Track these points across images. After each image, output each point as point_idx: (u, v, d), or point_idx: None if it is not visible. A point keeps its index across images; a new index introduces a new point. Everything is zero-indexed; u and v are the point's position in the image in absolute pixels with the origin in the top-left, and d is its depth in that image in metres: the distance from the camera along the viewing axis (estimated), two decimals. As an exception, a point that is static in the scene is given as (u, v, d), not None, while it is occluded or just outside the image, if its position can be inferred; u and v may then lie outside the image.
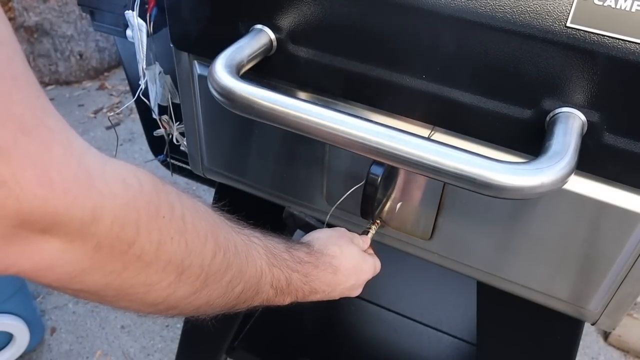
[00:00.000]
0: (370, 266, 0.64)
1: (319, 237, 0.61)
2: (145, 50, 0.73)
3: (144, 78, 0.78)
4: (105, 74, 2.74)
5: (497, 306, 0.73)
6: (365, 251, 0.65)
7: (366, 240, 0.65)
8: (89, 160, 0.31)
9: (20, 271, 0.30)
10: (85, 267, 0.32)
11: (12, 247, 0.28)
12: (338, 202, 0.63)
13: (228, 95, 0.51)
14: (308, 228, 0.65)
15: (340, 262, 0.59)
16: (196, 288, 0.41)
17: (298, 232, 1.08)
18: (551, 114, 0.48)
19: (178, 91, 0.74)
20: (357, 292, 0.64)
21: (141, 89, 0.79)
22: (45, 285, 0.33)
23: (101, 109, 2.50)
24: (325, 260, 0.58)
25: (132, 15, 0.72)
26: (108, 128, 2.37)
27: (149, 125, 0.98)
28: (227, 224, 0.46)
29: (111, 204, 0.31)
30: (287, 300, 0.54)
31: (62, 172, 0.28)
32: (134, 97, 0.84)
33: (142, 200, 0.34)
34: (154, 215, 0.35)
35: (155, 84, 0.80)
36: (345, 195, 0.62)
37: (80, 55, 2.61)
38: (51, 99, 2.53)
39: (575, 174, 0.46)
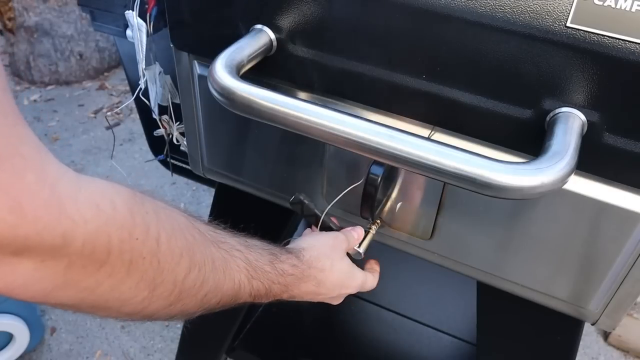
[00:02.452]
0: (357, 283, 0.63)
1: (314, 245, 0.60)
2: (145, 50, 0.73)
3: (143, 78, 0.78)
4: (105, 74, 2.75)
5: (497, 306, 0.73)
6: (365, 265, 0.65)
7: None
8: (62, 186, 0.32)
9: None
10: (58, 284, 0.34)
11: None
12: (334, 202, 0.62)
13: (228, 95, 0.51)
14: (314, 219, 0.64)
15: (326, 277, 0.59)
16: (170, 302, 0.42)
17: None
18: (551, 114, 0.48)
19: (178, 91, 0.74)
20: (336, 302, 0.64)
21: (141, 88, 0.79)
22: (23, 301, 0.35)
23: (101, 109, 2.50)
24: (311, 274, 0.57)
25: (132, 15, 0.72)
26: (108, 128, 2.37)
27: (149, 125, 0.98)
28: (206, 240, 0.46)
29: (82, 230, 0.32)
30: (264, 302, 0.55)
31: (34, 200, 0.30)
32: (133, 97, 0.84)
33: (114, 225, 0.35)
34: (126, 239, 0.36)
35: (155, 84, 0.80)
36: (341, 195, 0.62)
37: (80, 55, 2.61)
38: (51, 99, 2.54)
39: (575, 174, 0.46)
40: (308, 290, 0.58)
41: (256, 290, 0.51)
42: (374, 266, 0.69)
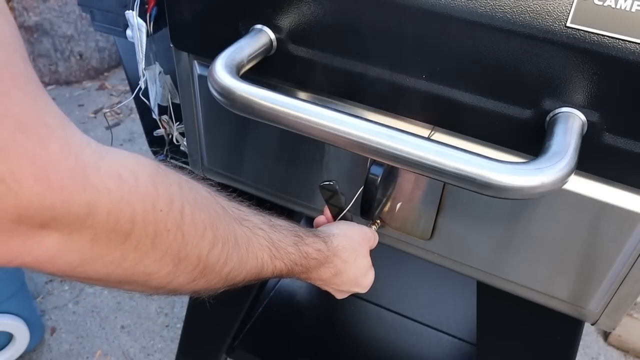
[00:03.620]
0: (367, 284, 0.64)
1: (345, 234, 0.60)
2: (144, 50, 0.73)
3: (143, 78, 0.78)
4: (105, 74, 2.74)
5: (497, 306, 0.73)
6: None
7: (375, 241, 0.65)
8: (86, 156, 0.32)
9: (23, 263, 0.32)
10: (86, 258, 0.34)
11: (14, 241, 0.29)
12: (355, 197, 0.62)
13: (228, 95, 0.51)
14: (337, 211, 0.63)
15: (346, 269, 0.59)
16: (194, 277, 0.42)
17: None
18: (551, 114, 0.48)
19: (178, 91, 0.74)
20: (342, 296, 0.64)
21: (140, 88, 0.79)
22: (50, 274, 0.35)
23: (101, 109, 2.50)
24: (334, 262, 0.57)
25: (132, 15, 0.72)
26: (108, 128, 2.37)
27: (149, 125, 0.98)
28: (229, 216, 0.46)
29: (105, 199, 0.32)
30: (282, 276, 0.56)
31: (59, 169, 0.29)
32: (132, 95, 0.84)
33: (137, 195, 0.35)
34: (149, 209, 0.36)
35: (155, 84, 0.80)
36: (353, 202, 0.62)
37: (80, 55, 2.61)
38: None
39: (575, 174, 0.46)
40: (324, 277, 0.58)
41: (278, 270, 0.51)
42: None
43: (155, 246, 0.37)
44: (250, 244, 0.48)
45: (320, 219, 0.66)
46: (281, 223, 0.54)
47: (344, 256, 0.58)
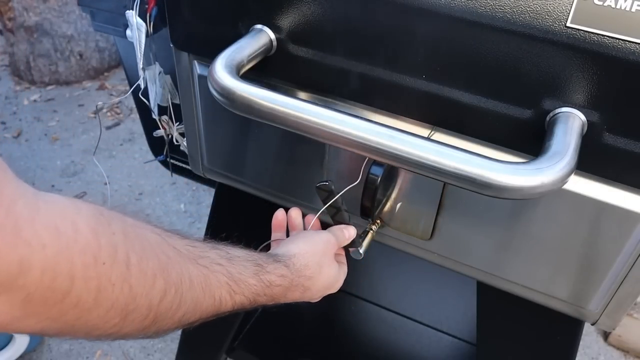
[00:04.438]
0: (339, 284, 0.63)
1: (306, 251, 0.58)
2: (143, 50, 0.73)
3: (142, 77, 0.78)
4: (105, 74, 2.74)
5: (497, 306, 0.73)
6: (337, 257, 0.63)
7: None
8: (19, 208, 0.30)
9: None
10: (17, 316, 0.32)
11: None
12: (330, 203, 0.61)
13: (228, 95, 0.51)
14: (334, 211, 0.63)
15: (313, 284, 0.57)
16: (145, 326, 0.40)
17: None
18: (551, 114, 0.48)
19: (178, 91, 0.74)
20: (316, 300, 0.63)
21: (139, 87, 0.79)
22: None
23: (101, 109, 2.50)
24: (300, 282, 0.56)
25: (131, 15, 0.71)
26: (108, 128, 2.37)
27: (149, 125, 0.98)
28: (183, 257, 0.43)
29: (40, 255, 0.30)
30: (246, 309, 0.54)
31: None
32: (133, 97, 0.84)
33: (76, 249, 0.32)
34: (90, 263, 0.33)
35: (155, 84, 0.80)
36: (338, 196, 0.61)
37: (80, 55, 2.61)
38: (51, 99, 2.54)
39: (575, 174, 0.46)
40: (294, 297, 0.57)
41: (239, 304, 0.49)
42: (342, 259, 0.66)
43: (99, 302, 0.35)
44: (207, 282, 0.45)
45: (309, 217, 0.65)
46: (239, 254, 0.51)
47: (309, 273, 0.57)
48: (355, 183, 0.61)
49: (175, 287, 0.41)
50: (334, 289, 0.62)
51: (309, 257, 0.57)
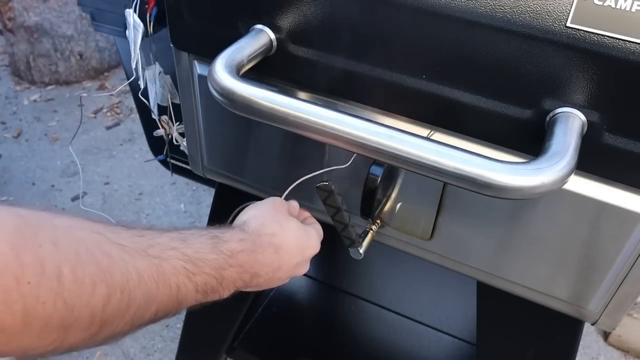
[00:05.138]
0: (315, 239, 0.59)
1: (255, 215, 0.56)
2: (137, 49, 0.73)
3: (142, 77, 0.78)
4: (105, 74, 2.74)
5: (497, 306, 0.73)
6: (305, 220, 0.61)
7: (296, 206, 0.63)
8: None
9: None
10: None
11: None
12: (294, 185, 0.61)
13: (228, 95, 0.51)
14: (333, 211, 0.63)
15: (281, 240, 0.55)
16: (91, 334, 0.37)
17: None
18: (551, 114, 0.48)
19: (178, 91, 0.74)
20: (303, 269, 0.60)
21: (137, 85, 0.79)
22: None
23: (101, 109, 2.50)
24: (264, 241, 0.53)
25: (129, 14, 0.71)
26: (108, 128, 2.37)
27: (148, 125, 0.98)
28: (128, 253, 0.41)
29: None
30: (225, 294, 0.50)
31: None
32: (133, 97, 0.84)
33: None
34: (12, 286, 0.31)
35: (155, 84, 0.80)
36: (322, 172, 0.60)
37: (80, 55, 2.61)
38: (51, 99, 2.54)
39: (575, 174, 0.46)
40: (268, 262, 0.53)
41: (203, 285, 0.46)
42: (308, 219, 0.64)
43: (29, 324, 0.32)
44: (160, 272, 0.42)
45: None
46: (193, 232, 0.49)
47: (269, 230, 0.54)
48: (344, 166, 0.60)
49: (121, 288, 0.38)
50: (312, 248, 0.59)
51: (261, 217, 0.56)
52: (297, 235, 0.57)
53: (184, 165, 0.99)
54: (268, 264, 0.53)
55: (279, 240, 0.55)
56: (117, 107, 2.50)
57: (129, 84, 0.94)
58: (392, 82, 0.54)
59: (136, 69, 0.76)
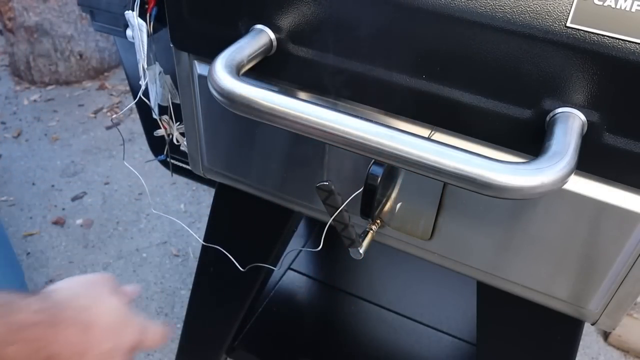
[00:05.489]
0: (137, 327, 0.50)
1: (65, 286, 0.48)
2: (145, 50, 0.73)
3: (144, 78, 0.78)
4: (105, 74, 2.75)
5: (497, 306, 0.73)
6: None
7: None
8: None
9: None
10: None
11: None
12: (349, 199, 0.61)
13: (228, 95, 0.51)
14: (333, 211, 0.62)
15: (93, 318, 0.46)
16: None
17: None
18: (551, 114, 0.48)
19: (178, 91, 0.74)
20: (115, 349, 0.48)
21: (142, 89, 0.79)
22: None
23: (101, 109, 2.50)
24: (69, 315, 0.44)
25: (132, 15, 0.71)
26: (108, 128, 2.37)
27: (149, 125, 0.98)
28: None
29: None
30: None
31: None
32: (134, 97, 0.84)
33: None
34: None
35: (155, 84, 0.80)
36: (348, 201, 0.61)
37: (80, 55, 2.61)
38: (51, 99, 2.54)
39: (575, 174, 0.46)
40: (73, 341, 0.44)
41: None
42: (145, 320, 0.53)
43: None
44: None
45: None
46: None
47: (79, 304, 0.46)
48: (360, 190, 0.60)
49: None
50: (130, 333, 0.49)
51: (72, 290, 0.47)
52: (116, 315, 0.48)
53: (184, 165, 0.99)
54: (72, 343, 0.44)
55: (89, 317, 0.46)
56: (117, 107, 2.50)
57: (129, 84, 0.94)
58: (392, 82, 0.54)
59: (147, 69, 0.76)
